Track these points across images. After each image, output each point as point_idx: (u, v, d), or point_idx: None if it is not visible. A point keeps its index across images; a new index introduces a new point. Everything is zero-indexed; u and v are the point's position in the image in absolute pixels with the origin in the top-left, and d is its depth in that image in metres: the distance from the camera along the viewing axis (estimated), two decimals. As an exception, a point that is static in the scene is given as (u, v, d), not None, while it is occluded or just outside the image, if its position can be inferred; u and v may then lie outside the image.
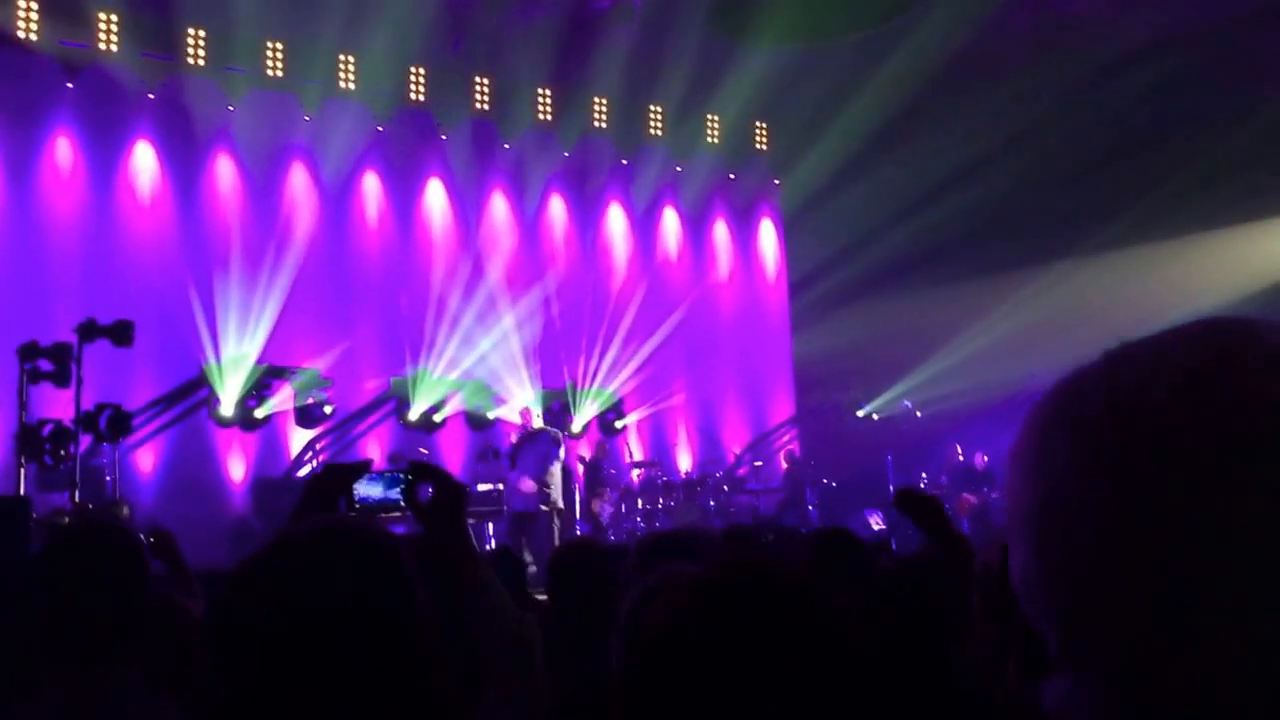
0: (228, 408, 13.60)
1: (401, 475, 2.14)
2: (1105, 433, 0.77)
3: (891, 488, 16.26)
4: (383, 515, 2.11)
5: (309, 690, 1.44)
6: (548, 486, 12.61)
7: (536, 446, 12.81)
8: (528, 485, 12.53)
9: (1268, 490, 0.72)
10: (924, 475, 16.12)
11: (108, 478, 11.55)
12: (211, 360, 13.53)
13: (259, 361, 13.71)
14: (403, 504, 2.12)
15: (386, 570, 1.54)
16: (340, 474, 2.11)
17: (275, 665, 1.44)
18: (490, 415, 15.25)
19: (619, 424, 16.27)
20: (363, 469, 2.12)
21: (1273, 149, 14.01)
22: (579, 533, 13.64)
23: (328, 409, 14.08)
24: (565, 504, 13.68)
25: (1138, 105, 14.71)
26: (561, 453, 12.92)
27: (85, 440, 9.75)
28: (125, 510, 10.01)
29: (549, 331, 15.65)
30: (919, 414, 17.14)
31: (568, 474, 14.76)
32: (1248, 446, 0.73)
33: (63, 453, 9.67)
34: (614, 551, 4.76)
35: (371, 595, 1.51)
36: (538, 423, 13.35)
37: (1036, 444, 0.82)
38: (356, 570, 1.51)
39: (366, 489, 2.12)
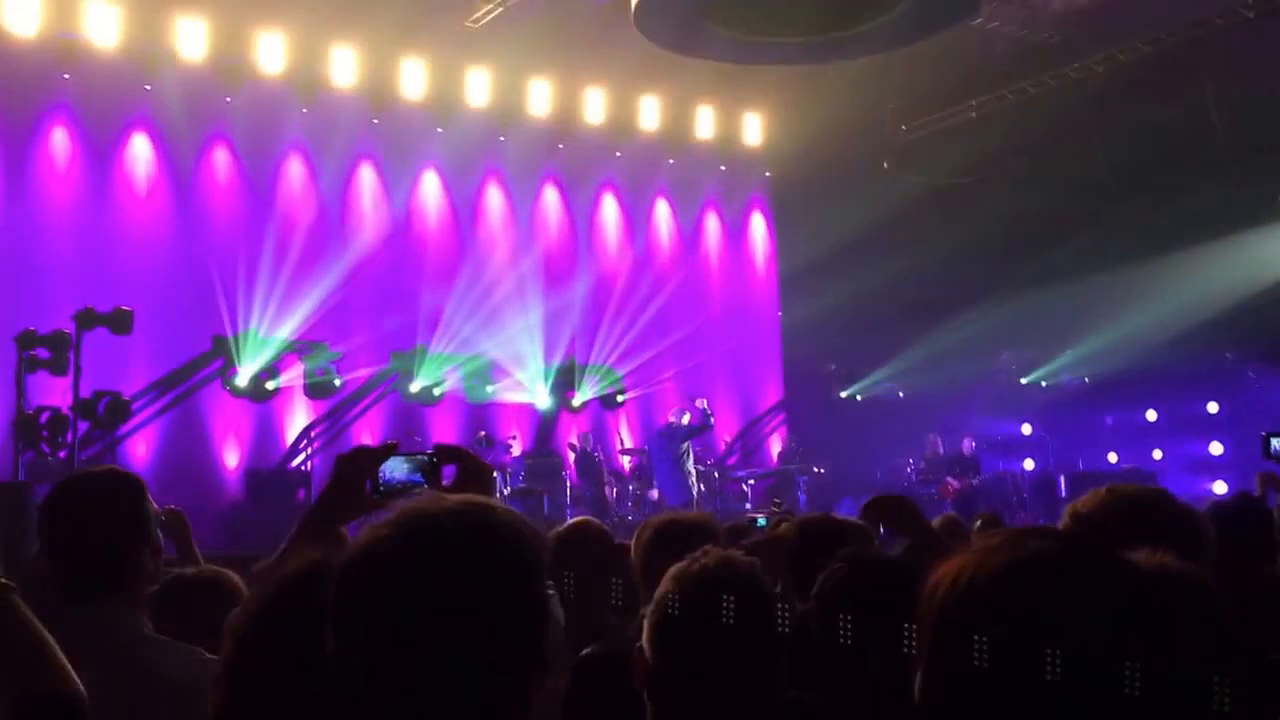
0: (243, 379, 13.94)
1: (426, 457, 2.17)
2: None
3: (878, 474, 16.51)
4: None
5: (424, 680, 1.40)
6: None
7: None
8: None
9: None
10: (910, 461, 16.32)
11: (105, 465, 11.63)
12: (228, 334, 13.86)
13: (266, 337, 14.04)
14: (426, 485, 2.14)
15: (526, 555, 1.51)
16: (367, 456, 2.14)
17: (406, 648, 1.39)
18: (489, 390, 15.49)
19: (620, 398, 16.59)
20: (389, 451, 2.15)
21: None
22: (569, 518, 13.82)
23: (337, 382, 14.42)
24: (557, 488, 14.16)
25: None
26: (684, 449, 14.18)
27: (81, 428, 9.82)
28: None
29: (545, 313, 15.91)
30: (900, 394, 17.53)
31: (557, 460, 14.94)
32: None
33: (60, 440, 9.75)
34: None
35: (513, 581, 1.48)
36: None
37: None
38: (499, 555, 1.48)
39: (392, 470, 2.14)
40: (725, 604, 2.21)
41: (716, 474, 15.59)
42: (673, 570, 2.35)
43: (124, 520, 2.66)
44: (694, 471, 14.24)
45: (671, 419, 14.57)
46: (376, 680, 1.38)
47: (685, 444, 14.21)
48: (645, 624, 2.31)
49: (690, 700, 2.23)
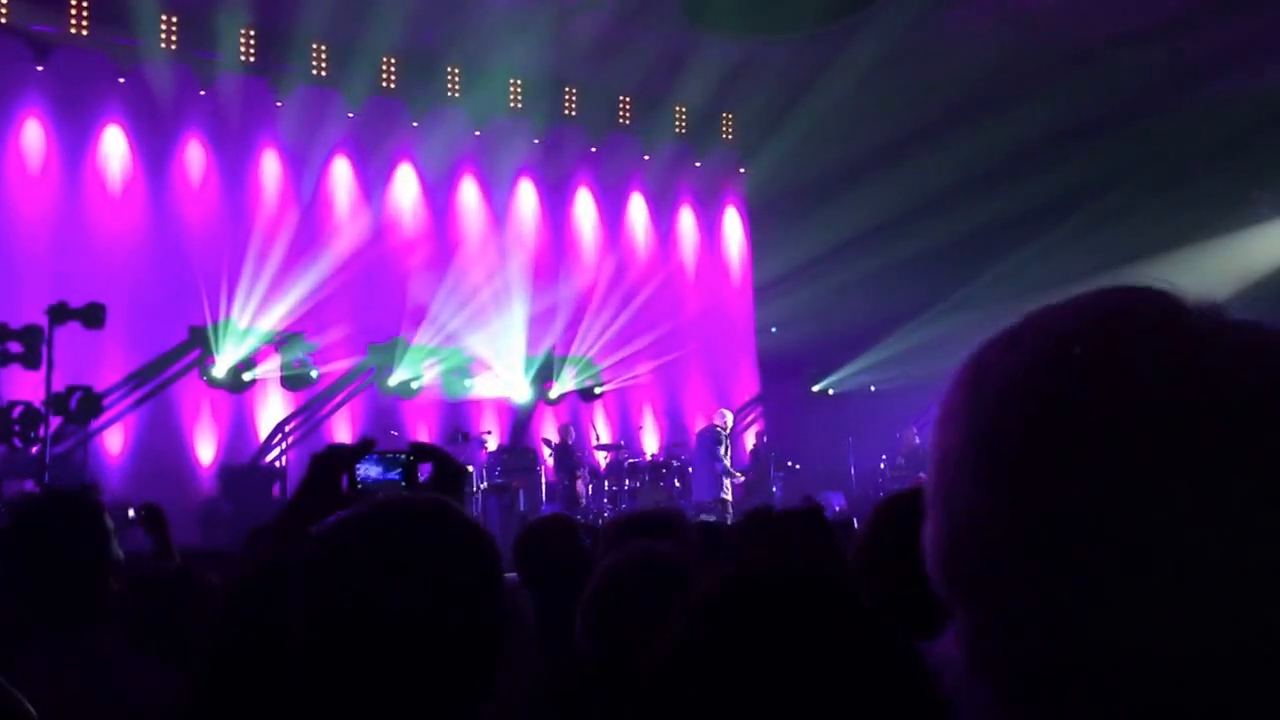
0: (221, 370, 13.88)
1: (402, 455, 2.16)
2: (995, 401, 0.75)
3: (852, 469, 16.58)
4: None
5: (377, 673, 1.40)
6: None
7: None
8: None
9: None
10: (883, 457, 16.39)
11: (78, 460, 11.60)
12: (205, 323, 13.81)
13: (244, 328, 14.01)
14: (403, 484, 2.13)
15: (484, 553, 1.54)
16: (343, 454, 2.11)
17: (362, 638, 1.41)
18: (466, 384, 15.49)
19: (597, 390, 16.62)
20: (365, 449, 2.12)
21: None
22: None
23: (314, 374, 14.38)
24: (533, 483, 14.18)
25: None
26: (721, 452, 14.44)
27: (54, 423, 9.81)
28: (95, 494, 10.04)
29: (524, 307, 15.93)
30: (873, 388, 17.66)
31: (532, 454, 14.95)
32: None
33: (32, 434, 9.75)
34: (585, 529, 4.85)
35: (469, 577, 1.50)
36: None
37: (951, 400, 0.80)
38: (455, 549, 1.51)
39: (367, 468, 2.12)
40: (645, 592, 2.25)
41: (690, 469, 15.60)
42: (602, 563, 2.39)
43: (84, 548, 2.64)
44: (723, 474, 14.52)
45: (716, 422, 14.84)
46: (327, 680, 1.40)
47: (720, 447, 14.53)
48: (577, 616, 2.34)
49: (624, 688, 2.23)
